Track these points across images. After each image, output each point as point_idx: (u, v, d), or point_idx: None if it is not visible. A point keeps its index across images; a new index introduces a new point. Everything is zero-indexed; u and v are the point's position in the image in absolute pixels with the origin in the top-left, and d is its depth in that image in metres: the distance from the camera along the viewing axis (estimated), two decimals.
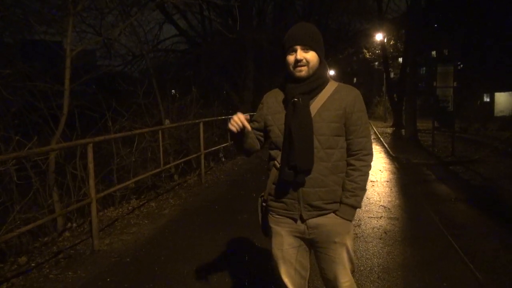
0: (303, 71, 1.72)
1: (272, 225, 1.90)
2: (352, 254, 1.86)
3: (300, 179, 1.73)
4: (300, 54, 1.71)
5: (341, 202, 1.80)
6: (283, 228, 1.85)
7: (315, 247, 1.87)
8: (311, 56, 1.72)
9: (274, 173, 1.83)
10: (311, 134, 1.71)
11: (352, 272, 1.89)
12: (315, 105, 1.76)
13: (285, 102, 1.81)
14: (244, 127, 1.74)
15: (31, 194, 5.58)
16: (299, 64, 1.71)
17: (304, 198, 1.77)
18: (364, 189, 1.81)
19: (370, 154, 1.82)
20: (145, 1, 9.10)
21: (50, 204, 5.86)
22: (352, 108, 1.77)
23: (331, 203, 1.79)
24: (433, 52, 33.58)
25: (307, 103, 1.74)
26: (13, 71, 6.34)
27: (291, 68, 1.74)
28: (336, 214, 1.80)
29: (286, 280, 1.88)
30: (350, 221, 1.82)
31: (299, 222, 1.81)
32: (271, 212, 1.90)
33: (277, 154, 1.83)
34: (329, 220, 1.80)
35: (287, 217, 1.83)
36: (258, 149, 1.99)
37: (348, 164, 1.81)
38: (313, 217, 1.79)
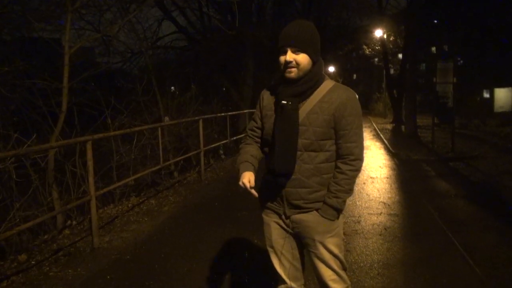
0: (292, 73, 1.70)
1: (263, 215, 1.96)
2: (338, 252, 1.85)
3: (281, 182, 1.76)
4: (290, 55, 1.67)
5: (324, 202, 1.80)
6: (271, 219, 1.92)
7: (306, 246, 1.91)
8: (302, 58, 1.68)
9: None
10: (295, 139, 1.71)
11: (344, 270, 1.89)
12: (305, 107, 1.74)
13: (275, 103, 1.80)
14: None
15: (30, 191, 5.59)
16: (288, 65, 1.69)
17: (287, 197, 1.80)
18: (348, 192, 1.79)
19: (358, 160, 1.77)
20: None
21: (49, 201, 5.87)
22: (342, 112, 1.72)
23: (312, 203, 1.80)
24: (433, 48, 33.53)
25: (295, 107, 1.71)
26: (11, 69, 6.32)
27: (281, 68, 1.72)
28: (318, 212, 1.81)
29: (279, 270, 1.94)
30: (333, 221, 1.82)
31: (283, 217, 1.87)
32: (262, 203, 1.94)
33: (266, 151, 1.89)
34: (311, 217, 1.81)
35: (273, 210, 1.89)
36: (261, 157, 2.00)
37: (335, 166, 1.80)
38: (296, 214, 1.83)
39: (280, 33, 1.73)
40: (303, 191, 1.77)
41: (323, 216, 1.80)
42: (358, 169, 1.79)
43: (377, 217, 4.67)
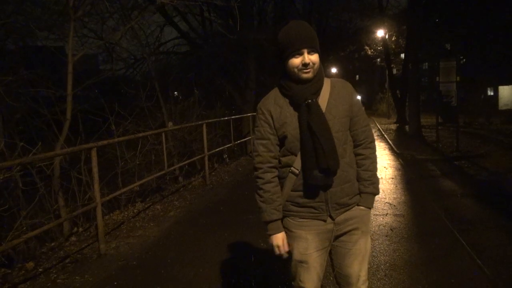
0: (309, 73, 1.69)
1: (293, 229, 1.81)
2: (370, 246, 1.90)
3: (331, 181, 1.72)
4: (308, 57, 1.66)
5: (361, 192, 1.82)
6: (308, 231, 1.79)
7: (338, 243, 1.85)
8: (315, 58, 1.69)
9: (291, 180, 1.77)
10: (331, 132, 1.70)
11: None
12: (322, 104, 1.75)
13: (293, 105, 1.75)
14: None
15: (36, 199, 5.62)
16: (307, 67, 1.67)
17: (332, 198, 1.75)
18: (377, 176, 1.86)
19: (374, 141, 1.89)
20: (145, 4, 9.12)
21: (56, 209, 5.90)
22: (352, 100, 1.80)
23: (354, 196, 1.81)
24: (436, 47, 33.37)
25: (318, 103, 1.73)
26: (16, 78, 6.38)
27: (296, 70, 1.69)
28: (358, 205, 1.82)
29: (308, 284, 1.83)
30: (370, 209, 1.86)
31: (328, 220, 1.78)
32: (291, 217, 1.82)
33: (292, 160, 1.76)
34: (354, 213, 1.82)
35: (314, 219, 1.79)
36: None
37: (357, 155, 1.83)
38: (341, 214, 1.80)
39: (287, 36, 1.67)
40: (346, 187, 1.77)
41: (365, 207, 1.83)
42: (375, 151, 1.88)
43: (383, 218, 4.65)
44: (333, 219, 1.78)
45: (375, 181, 1.83)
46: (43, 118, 7.02)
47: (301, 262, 1.81)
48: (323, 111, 1.73)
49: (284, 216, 1.84)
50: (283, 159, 1.80)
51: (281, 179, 1.82)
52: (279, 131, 1.77)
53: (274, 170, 1.82)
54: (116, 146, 7.34)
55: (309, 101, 1.70)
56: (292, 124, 1.74)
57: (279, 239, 1.80)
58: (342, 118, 1.76)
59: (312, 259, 1.80)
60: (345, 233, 1.82)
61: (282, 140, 1.78)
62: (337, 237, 1.84)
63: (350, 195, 1.79)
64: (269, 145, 1.80)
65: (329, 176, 1.70)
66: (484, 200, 5.35)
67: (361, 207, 1.83)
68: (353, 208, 1.82)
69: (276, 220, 1.80)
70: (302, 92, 1.71)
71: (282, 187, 1.81)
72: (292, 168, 1.76)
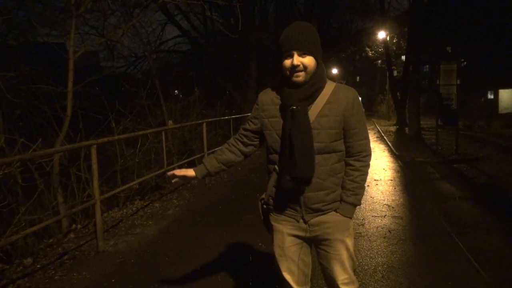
0: (300, 77, 1.67)
1: (273, 223, 1.90)
2: (352, 251, 1.87)
3: (302, 188, 1.74)
4: (297, 59, 1.64)
5: (341, 200, 1.81)
6: (284, 226, 1.86)
7: (316, 244, 1.89)
8: (308, 61, 1.66)
9: (274, 177, 1.83)
10: (312, 143, 1.69)
11: (354, 270, 1.89)
12: (314, 110, 1.72)
13: (282, 107, 1.76)
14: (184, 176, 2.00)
15: (36, 196, 5.62)
16: (296, 69, 1.65)
17: (305, 202, 1.77)
18: (363, 188, 1.84)
19: (369, 155, 1.83)
20: (147, 2, 9.12)
21: (54, 205, 5.90)
22: (351, 111, 1.74)
23: (331, 203, 1.80)
24: (436, 49, 33.36)
25: (305, 111, 1.69)
26: (16, 74, 6.37)
27: (287, 72, 1.68)
28: (336, 212, 1.82)
29: (288, 277, 1.90)
30: (350, 218, 1.84)
31: (301, 221, 1.83)
32: (272, 211, 1.90)
33: (276, 158, 1.81)
34: (330, 218, 1.81)
35: (288, 217, 1.85)
36: (240, 160, 2.03)
37: (348, 164, 1.81)
38: (315, 217, 1.81)
39: (282, 37, 1.69)
40: (321, 194, 1.76)
41: (342, 215, 1.81)
42: (369, 164, 1.85)
43: (381, 220, 4.66)
44: (305, 222, 1.81)
45: (358, 193, 1.80)
46: (43, 114, 7.02)
47: (279, 254, 1.90)
48: (313, 118, 1.71)
49: (268, 211, 1.93)
50: (270, 156, 1.86)
51: (269, 173, 1.89)
52: (264, 125, 1.84)
53: (238, 142, 2.00)
54: (116, 143, 7.34)
55: (294, 107, 1.67)
56: (277, 125, 1.77)
57: (181, 170, 2.01)
58: (330, 130, 1.72)
59: (290, 252, 1.87)
60: (321, 235, 1.83)
61: (266, 136, 1.84)
62: (314, 239, 1.86)
63: (325, 203, 1.78)
64: (248, 127, 1.95)
65: (299, 184, 1.72)
66: (483, 203, 5.36)
67: (338, 214, 1.82)
68: (330, 213, 1.81)
69: (202, 166, 2.00)
70: (290, 97, 1.70)
71: (268, 181, 1.88)
72: (275, 166, 1.82)
